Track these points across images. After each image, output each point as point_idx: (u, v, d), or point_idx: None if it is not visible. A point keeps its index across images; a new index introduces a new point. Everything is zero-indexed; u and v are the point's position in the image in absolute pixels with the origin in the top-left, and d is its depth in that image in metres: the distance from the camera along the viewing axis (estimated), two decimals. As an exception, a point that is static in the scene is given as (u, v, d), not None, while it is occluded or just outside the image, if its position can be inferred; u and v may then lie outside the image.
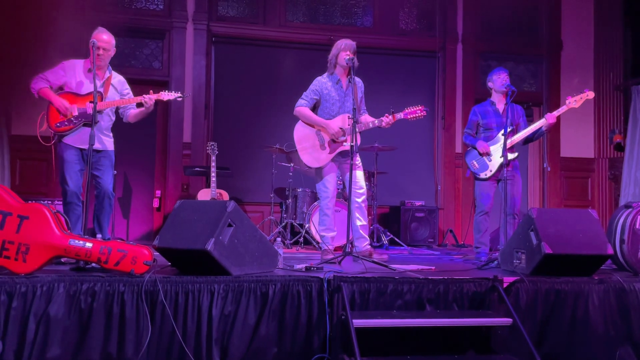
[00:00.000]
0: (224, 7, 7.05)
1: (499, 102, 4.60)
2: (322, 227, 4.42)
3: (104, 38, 4.06)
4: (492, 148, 4.47)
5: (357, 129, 4.08)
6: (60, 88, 4.07)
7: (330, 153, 4.29)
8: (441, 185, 7.23)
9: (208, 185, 5.85)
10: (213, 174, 5.69)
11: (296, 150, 4.38)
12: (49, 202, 5.16)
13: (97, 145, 3.91)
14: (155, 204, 6.67)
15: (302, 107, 4.33)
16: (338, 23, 7.27)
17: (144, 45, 6.81)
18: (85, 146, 3.83)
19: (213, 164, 5.73)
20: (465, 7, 7.36)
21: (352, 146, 3.93)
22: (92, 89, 3.87)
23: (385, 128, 4.30)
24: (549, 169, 7.19)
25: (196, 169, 6.33)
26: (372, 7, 7.36)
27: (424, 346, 2.95)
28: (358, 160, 4.34)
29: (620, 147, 7.06)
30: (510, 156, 4.35)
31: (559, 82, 7.40)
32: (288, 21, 7.14)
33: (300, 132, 4.36)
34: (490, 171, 4.45)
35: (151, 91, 4.14)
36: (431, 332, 2.95)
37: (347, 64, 4.19)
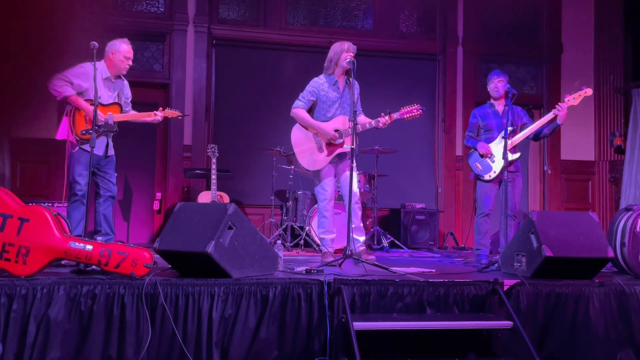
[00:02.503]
0: (224, 9, 7.05)
1: (499, 104, 4.60)
2: (322, 229, 4.40)
3: (131, 49, 4.33)
4: (493, 149, 4.47)
5: (358, 129, 4.05)
6: (80, 94, 4.13)
7: (327, 155, 4.27)
8: (442, 187, 7.23)
9: (208, 188, 5.85)
10: (213, 177, 5.69)
11: (294, 153, 4.37)
12: (50, 204, 5.16)
13: (101, 153, 4.18)
14: (156, 206, 6.67)
15: (298, 109, 4.29)
16: (339, 26, 7.28)
17: (145, 48, 6.81)
18: (99, 153, 4.15)
19: (213, 166, 5.73)
20: (465, 9, 7.37)
21: (352, 149, 3.90)
22: (112, 99, 4.25)
23: (383, 129, 4.30)
24: (549, 171, 7.19)
25: (197, 171, 6.33)
26: (373, 10, 7.36)
27: (424, 349, 2.95)
28: (354, 162, 4.28)
29: (620, 150, 7.06)
30: (513, 157, 4.35)
31: (560, 85, 7.40)
32: (289, 24, 7.14)
33: (297, 135, 4.34)
34: (494, 172, 4.44)
35: (160, 108, 4.49)
36: (432, 335, 2.95)
37: (347, 65, 4.17)
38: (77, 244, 2.86)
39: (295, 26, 7.16)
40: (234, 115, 6.87)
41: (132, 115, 4.41)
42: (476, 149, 4.53)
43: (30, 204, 2.93)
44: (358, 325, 2.76)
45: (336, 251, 4.65)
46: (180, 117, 4.66)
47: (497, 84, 4.52)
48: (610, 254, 3.28)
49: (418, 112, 4.28)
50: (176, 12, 6.74)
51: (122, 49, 4.26)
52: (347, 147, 4.18)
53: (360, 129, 4.21)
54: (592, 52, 7.52)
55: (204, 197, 5.80)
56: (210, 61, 6.85)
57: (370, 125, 4.24)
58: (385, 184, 6.72)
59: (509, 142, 4.20)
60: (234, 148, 6.72)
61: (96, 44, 3.78)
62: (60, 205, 5.21)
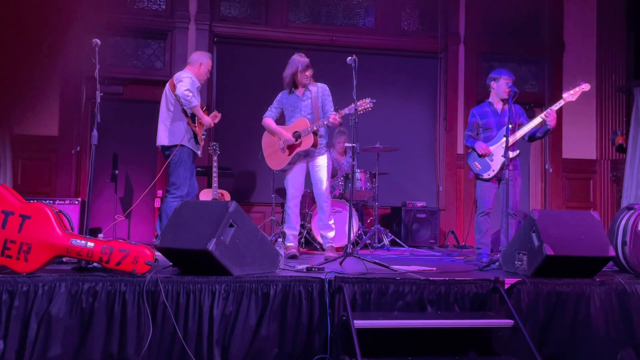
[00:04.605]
0: (226, 7, 7.05)
1: (497, 102, 4.60)
2: (286, 224, 4.70)
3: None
4: (492, 147, 4.46)
5: (310, 130, 4.45)
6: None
7: (288, 155, 4.59)
8: (443, 186, 7.23)
9: (210, 186, 5.85)
10: (215, 175, 5.69)
11: (263, 157, 4.77)
12: (51, 201, 5.16)
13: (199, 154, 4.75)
14: (157, 204, 6.67)
15: (266, 118, 4.71)
16: (340, 24, 7.27)
17: (146, 45, 6.82)
18: (199, 154, 4.72)
19: (215, 164, 5.72)
20: (467, 7, 7.36)
21: (353, 147, 4.06)
22: (202, 106, 4.75)
23: (334, 124, 4.43)
24: (550, 170, 7.17)
25: (198, 169, 6.29)
26: (374, 8, 7.35)
27: (425, 347, 2.95)
28: (323, 161, 4.60)
29: (622, 149, 7.05)
30: (512, 154, 4.34)
31: (561, 84, 7.38)
32: (290, 22, 7.14)
33: (265, 140, 4.76)
34: (493, 171, 4.45)
35: (216, 112, 4.94)
36: (432, 333, 2.95)
37: (308, 80, 4.56)
38: (78, 241, 2.86)
39: (297, 24, 7.15)
40: (235, 113, 6.86)
41: (207, 124, 4.81)
42: (474, 149, 4.53)
43: (31, 201, 2.94)
44: (359, 323, 2.76)
45: (337, 249, 4.69)
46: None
47: (510, 84, 4.35)
48: (612, 252, 3.28)
49: (369, 106, 4.35)
50: (177, 9, 6.74)
51: (208, 63, 4.77)
52: (304, 146, 4.50)
53: (316, 128, 4.50)
54: (594, 51, 7.51)
55: (205, 195, 5.80)
56: (212, 59, 6.84)
57: (323, 123, 4.48)
58: (386, 182, 6.72)
59: (509, 139, 4.19)
60: (235, 146, 6.72)
61: (98, 41, 3.79)
62: (61, 202, 5.21)
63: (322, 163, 4.59)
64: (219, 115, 4.93)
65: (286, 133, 4.57)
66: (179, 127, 4.57)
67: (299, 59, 4.54)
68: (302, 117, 4.56)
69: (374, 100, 4.40)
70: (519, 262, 3.45)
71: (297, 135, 4.53)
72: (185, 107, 4.53)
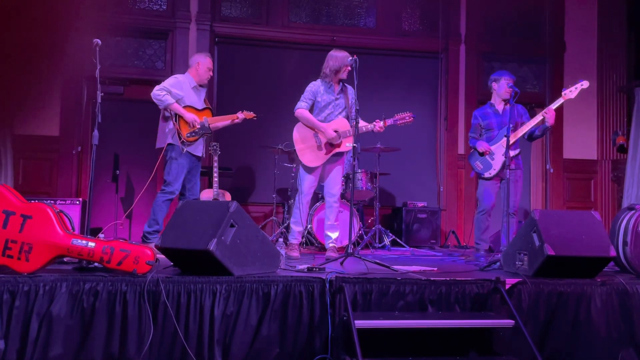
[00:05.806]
0: (227, 7, 7.05)
1: (499, 103, 4.62)
2: (293, 219, 4.67)
3: (212, 62, 4.88)
4: (493, 147, 4.48)
5: (352, 133, 4.41)
6: (177, 101, 4.59)
7: (326, 154, 4.52)
8: (444, 186, 7.22)
9: (210, 186, 5.85)
10: (215, 175, 5.68)
11: (294, 150, 4.60)
12: (52, 201, 5.17)
13: (200, 154, 4.74)
14: (158, 204, 6.67)
15: (302, 110, 4.54)
16: (341, 24, 7.27)
17: (147, 46, 6.82)
18: (198, 153, 4.69)
19: (215, 164, 5.72)
20: (468, 8, 7.36)
21: (354, 147, 4.02)
22: (202, 105, 4.79)
23: (379, 132, 4.55)
24: (551, 170, 7.19)
25: (198, 169, 6.31)
26: (375, 8, 7.35)
27: (425, 347, 2.95)
28: (342, 162, 4.63)
29: (623, 149, 7.04)
30: (512, 153, 4.35)
31: (562, 84, 7.36)
32: (291, 22, 7.14)
33: (299, 133, 4.58)
34: (495, 170, 4.46)
35: (240, 111, 4.92)
36: (433, 334, 2.95)
37: (347, 76, 4.49)
38: (79, 241, 2.86)
39: (298, 24, 7.15)
40: (235, 112, 6.85)
41: (219, 118, 4.88)
42: (476, 149, 4.57)
43: (32, 201, 2.94)
44: (359, 323, 2.77)
45: (339, 249, 4.70)
46: (255, 118, 5.00)
47: (511, 85, 4.39)
48: (613, 253, 3.28)
49: (410, 120, 4.54)
50: (178, 9, 6.74)
51: (205, 62, 4.79)
52: (344, 148, 4.49)
53: (357, 132, 4.37)
54: (595, 51, 7.51)
55: (206, 195, 5.79)
56: (213, 59, 6.84)
57: (367, 129, 4.48)
58: (387, 182, 6.72)
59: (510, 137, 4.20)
60: (236, 146, 6.71)
61: (99, 41, 3.80)
62: (62, 202, 5.22)
63: (341, 164, 4.62)
64: (243, 115, 4.89)
65: (330, 130, 4.45)
66: (166, 127, 4.63)
67: (342, 53, 4.45)
68: (338, 115, 4.53)
69: (414, 116, 4.56)
70: (519, 262, 3.45)
71: (337, 135, 4.49)
72: (160, 107, 4.57)
